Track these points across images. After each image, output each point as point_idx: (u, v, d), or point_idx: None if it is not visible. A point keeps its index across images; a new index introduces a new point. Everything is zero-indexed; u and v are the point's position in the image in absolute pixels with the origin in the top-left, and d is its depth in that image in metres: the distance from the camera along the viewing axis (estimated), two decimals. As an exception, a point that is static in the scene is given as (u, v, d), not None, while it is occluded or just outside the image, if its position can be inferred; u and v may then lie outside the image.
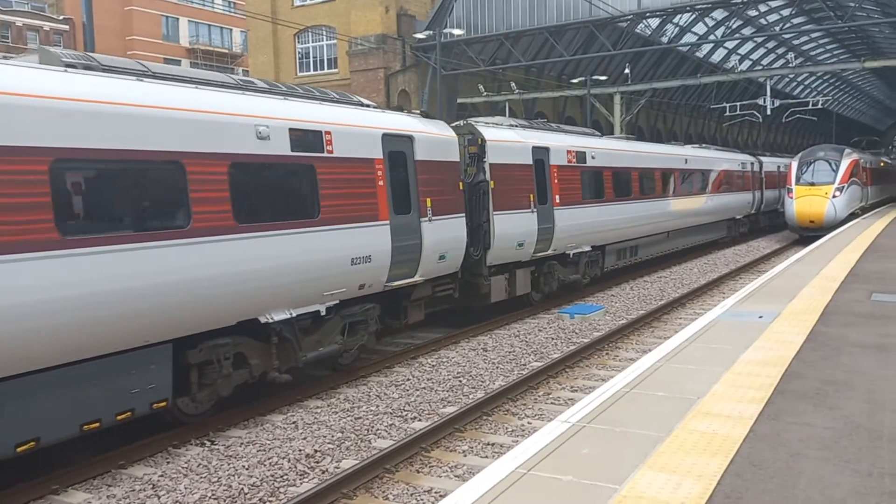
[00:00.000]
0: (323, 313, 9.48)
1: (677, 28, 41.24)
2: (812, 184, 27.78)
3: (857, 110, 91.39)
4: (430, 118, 12.82)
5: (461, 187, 12.71)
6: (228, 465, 7.27)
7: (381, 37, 35.07)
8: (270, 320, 8.66)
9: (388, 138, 10.87)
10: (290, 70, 38.83)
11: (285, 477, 6.96)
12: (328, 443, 7.81)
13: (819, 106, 40.77)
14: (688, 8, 33.53)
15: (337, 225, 9.60)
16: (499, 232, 13.63)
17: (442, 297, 12.78)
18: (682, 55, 46.84)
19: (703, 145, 30.35)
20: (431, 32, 33.30)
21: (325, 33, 36.97)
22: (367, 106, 11.34)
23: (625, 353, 11.82)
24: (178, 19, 59.08)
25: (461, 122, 14.43)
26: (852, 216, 28.95)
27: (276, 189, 8.84)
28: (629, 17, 34.02)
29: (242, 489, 6.67)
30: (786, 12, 42.26)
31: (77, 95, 6.77)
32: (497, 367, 10.93)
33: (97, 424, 6.90)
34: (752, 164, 32.63)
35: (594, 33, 35.12)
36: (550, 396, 9.57)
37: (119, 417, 7.13)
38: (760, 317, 9.35)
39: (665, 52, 42.84)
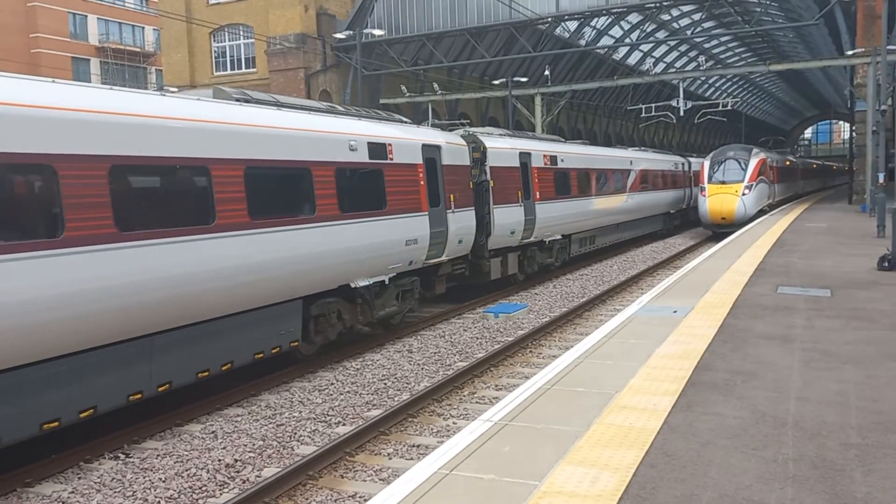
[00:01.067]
0: (386, 282, 12.51)
1: (595, 31, 42.27)
2: (723, 182, 28.95)
3: (764, 111, 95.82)
4: (451, 131, 16.72)
5: (471, 186, 15.76)
6: (144, 478, 7.01)
7: (301, 36, 34.62)
8: (357, 286, 11.59)
9: (425, 148, 13.88)
10: (206, 69, 37.89)
11: (204, 488, 6.77)
12: (249, 451, 7.64)
13: (729, 107, 42.48)
14: (604, 11, 34.42)
15: (397, 215, 12.59)
16: (498, 222, 16.77)
17: (457, 274, 15.93)
18: (600, 58, 48.05)
19: (643, 148, 33.66)
20: (352, 32, 33.07)
21: (242, 32, 36.19)
22: (407, 122, 14.64)
23: (548, 351, 12.01)
24: (86, 16, 56.67)
25: (467, 132, 17.48)
26: (761, 213, 30.30)
27: (361, 187, 11.75)
28: (548, 19, 34.68)
29: (159, 502, 6.45)
30: (697, 17, 43.94)
31: (257, 122, 9.70)
32: (422, 369, 10.93)
33: (261, 355, 9.73)
34: (683, 164, 34.27)
35: (515, 35, 35.62)
36: (475, 396, 9.64)
37: (273, 351, 9.98)
38: (675, 311, 9.67)
39: (584, 54, 43.85)
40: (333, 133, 11.24)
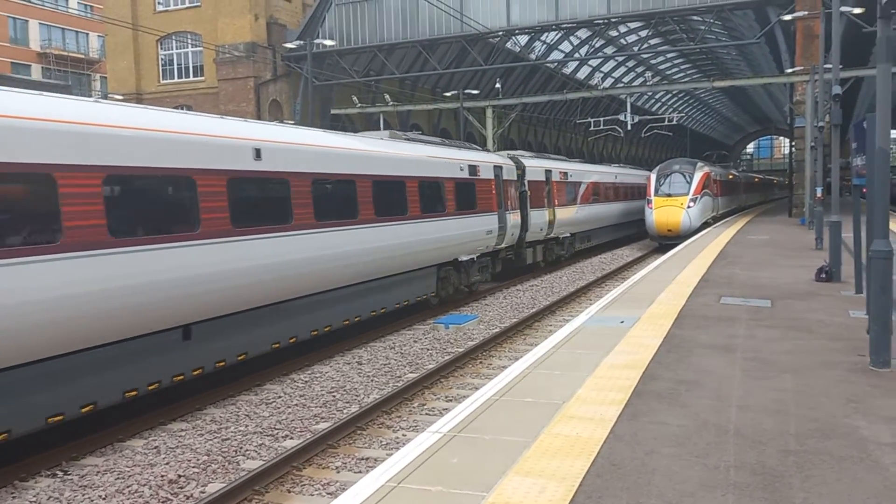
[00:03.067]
0: (475, 259, 17.93)
1: (545, 46, 42.90)
2: (669, 195, 29.59)
3: (708, 126, 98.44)
4: (504, 155, 22.20)
5: (518, 194, 21.18)
6: (83, 495, 6.79)
7: (251, 45, 34.29)
8: (462, 259, 17.14)
9: (494, 167, 19.33)
10: (153, 77, 37.21)
11: (146, 506, 6.58)
12: (193, 467, 7.46)
13: (674, 122, 43.57)
14: (553, 26, 34.96)
15: (482, 213, 18.03)
16: (532, 221, 22.19)
17: (507, 259, 21.01)
18: (550, 72, 48.77)
19: (620, 164, 39.26)
20: (302, 42, 32.88)
21: (189, 40, 35.64)
22: (480, 149, 21.16)
23: (498, 361, 12.06)
24: (27, 21, 55.05)
25: (510, 154, 22.66)
26: (705, 225, 31.05)
27: (465, 194, 17.14)
28: (499, 33, 35.04)
29: (98, 522, 6.25)
30: (644, 33, 44.97)
31: (419, 153, 15.52)
32: (372, 381, 10.85)
33: (419, 299, 15.35)
34: (648, 177, 35.19)
35: (466, 48, 35.91)
36: (425, 407, 9.61)
37: (418, 299, 15.34)
38: (622, 322, 9.82)
39: (534, 68, 44.44)
40: (452, 159, 17.04)
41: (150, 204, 8.58)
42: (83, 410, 7.80)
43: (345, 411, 9.35)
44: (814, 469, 4.73)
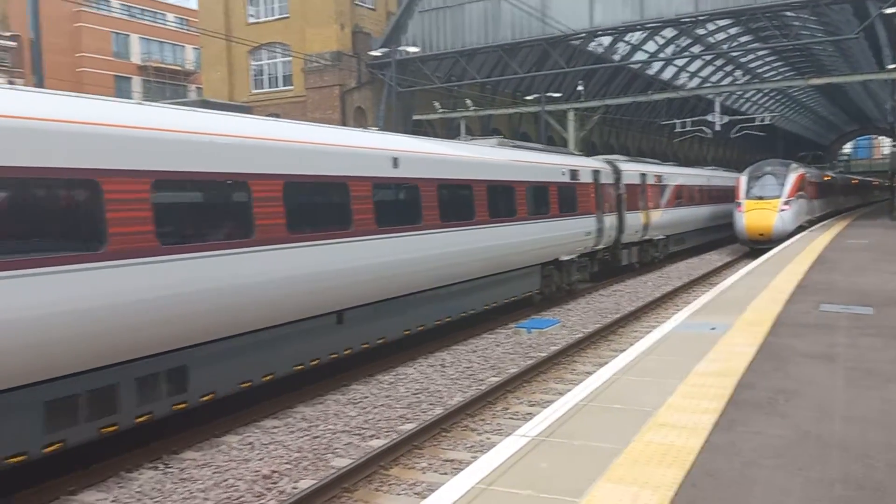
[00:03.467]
0: (575, 259, 18.96)
1: (629, 46, 42.14)
2: (761, 198, 28.50)
3: (802, 126, 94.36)
4: (601, 159, 22.48)
5: (614, 197, 21.79)
6: (183, 488, 7.10)
7: (337, 54, 35.07)
8: (562, 259, 18.14)
9: (592, 171, 20.06)
10: (245, 87, 38.55)
11: (242, 499, 6.82)
12: (285, 463, 7.69)
13: (766, 122, 41.99)
14: (638, 26, 34.31)
15: (581, 216, 18.96)
16: (628, 224, 22.70)
17: (604, 259, 21.61)
18: (634, 72, 47.85)
19: (713, 167, 38.60)
20: (387, 50, 33.41)
21: (279, 50, 36.77)
22: (578, 154, 22.49)
23: (582, 367, 11.91)
24: (128, 36, 58.07)
25: (606, 159, 22.95)
26: (800, 229, 29.76)
27: (566, 197, 18.02)
28: (582, 35, 34.65)
29: (197, 513, 6.52)
30: (733, 31, 43.57)
31: (522, 159, 16.57)
32: (455, 383, 10.92)
33: (514, 297, 16.04)
34: (738, 179, 33.83)
35: (548, 51, 35.67)
36: (508, 411, 9.59)
37: (524, 295, 16.44)
38: (713, 328, 9.53)
39: (617, 69, 43.70)
40: (555, 164, 18.02)
41: (326, 208, 10.24)
42: (264, 378, 9.19)
43: (429, 413, 9.44)
44: (927, 486, 4.47)
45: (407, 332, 12.23)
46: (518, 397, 10.21)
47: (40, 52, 13.28)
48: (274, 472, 7.44)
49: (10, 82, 42.01)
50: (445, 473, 7.43)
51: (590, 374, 10.99)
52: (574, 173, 18.85)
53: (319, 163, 9.97)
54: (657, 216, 25.54)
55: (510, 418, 9.29)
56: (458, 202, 13.46)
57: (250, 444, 8.34)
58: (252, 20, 38.24)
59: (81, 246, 6.86)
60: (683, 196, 29.06)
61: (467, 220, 13.60)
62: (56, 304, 6.57)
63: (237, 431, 8.86)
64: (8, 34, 54.19)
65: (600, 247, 20.74)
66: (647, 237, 24.81)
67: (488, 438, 8.48)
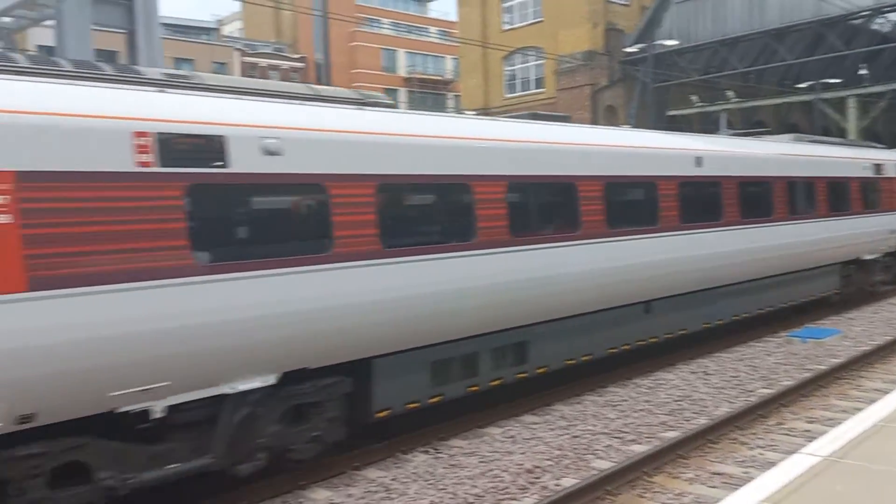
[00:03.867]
0: (878, 259, 17.71)
1: (924, 20, 36.79)
2: None
3: None
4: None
5: None
6: (453, 473, 7.52)
7: (589, 53, 34.92)
8: (865, 258, 17.05)
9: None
10: (498, 92, 39.87)
11: (506, 490, 7.06)
12: (546, 459, 7.82)
13: None
14: (937, -3, 29.87)
15: (886, 213, 17.72)
16: None
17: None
18: (931, 50, 41.65)
19: None
20: (643, 45, 32.56)
21: (532, 54, 37.50)
22: (881, 147, 20.10)
23: (870, 384, 10.65)
24: (395, 51, 62.98)
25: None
26: None
27: (868, 193, 17.17)
28: (866, 12, 30.95)
29: (467, 498, 6.87)
30: None
31: (820, 153, 15.82)
32: (720, 392, 10.33)
33: (812, 297, 15.51)
34: None
35: (822, 33, 32.35)
36: (783, 427, 8.86)
37: (822, 294, 15.84)
38: None
39: (909, 48, 38.37)
40: (856, 158, 17.05)
41: (637, 207, 11.11)
42: (583, 358, 10.29)
43: (692, 422, 9.04)
44: None
45: (706, 325, 12.60)
46: (794, 412, 9.40)
47: (329, 71, 14.88)
48: (536, 467, 7.60)
49: (297, 99, 47.54)
50: (714, 486, 7.07)
51: (880, 391, 9.82)
52: (878, 167, 17.90)
53: (635, 165, 10.89)
54: None
55: (785, 434, 8.58)
56: (757, 200, 13.47)
57: (512, 437, 8.60)
58: (507, 27, 39.44)
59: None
60: None
61: (766, 217, 13.59)
62: (441, 283, 7.99)
63: (499, 424, 9.17)
64: (297, 56, 61.40)
65: None
66: None
67: (761, 454, 7.91)
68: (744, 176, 13.07)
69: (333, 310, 7.06)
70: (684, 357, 12.40)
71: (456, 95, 56.03)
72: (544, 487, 7.14)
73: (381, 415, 7.90)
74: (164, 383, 6.02)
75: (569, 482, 7.17)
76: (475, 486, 7.13)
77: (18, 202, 5.27)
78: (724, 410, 9.41)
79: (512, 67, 39.70)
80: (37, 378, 5.34)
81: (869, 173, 17.37)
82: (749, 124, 36.74)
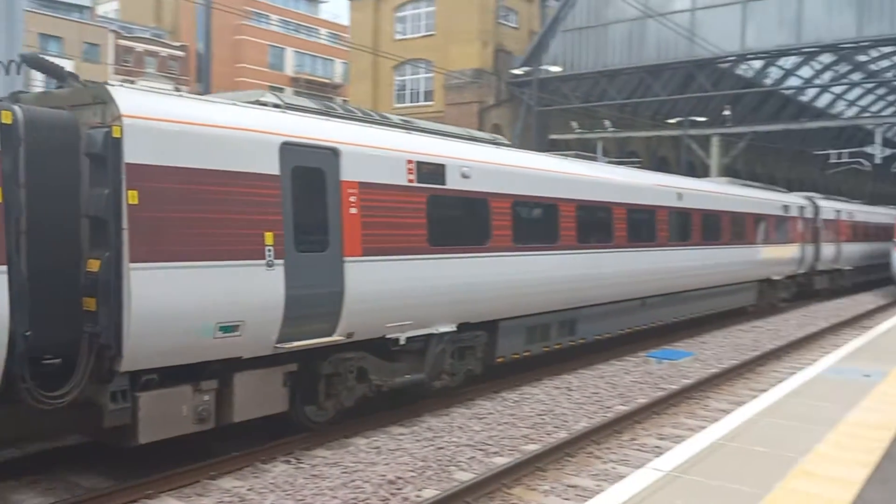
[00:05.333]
0: (782, 280, 22.40)
1: (782, 71, 40.12)
2: None
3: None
4: (802, 196, 25.36)
5: (813, 229, 25.10)
6: (313, 484, 7.38)
7: (478, 72, 35.62)
8: (774, 278, 21.60)
9: (798, 206, 23.50)
10: (388, 101, 39.88)
11: (367, 501, 7.00)
12: (410, 470, 7.82)
13: (934, 156, 38.51)
14: (793, 51, 32.63)
15: (789, 243, 22.44)
16: (823, 252, 25.87)
17: (800, 283, 24.65)
18: (786, 98, 45.47)
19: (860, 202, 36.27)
20: (529, 69, 33.55)
21: (423, 66, 37.81)
22: (784, 191, 25.53)
23: (716, 404, 11.38)
24: (283, 49, 61.73)
25: (807, 196, 25.88)
26: (968, 276, 27.13)
27: (780, 227, 22.04)
28: (731, 57, 33.36)
29: (325, 510, 6.75)
30: (899, 58, 40.47)
31: (751, 195, 20.69)
32: (581, 408, 10.73)
33: (735, 306, 19.54)
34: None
35: (692, 74, 34.58)
36: (636, 442, 9.30)
37: (741, 306, 19.96)
38: (867, 376, 8.86)
39: (767, 94, 41.72)
40: (773, 199, 21.73)
41: (642, 227, 14.88)
42: (596, 337, 13.76)
43: (553, 435, 9.33)
44: None
45: (675, 319, 16.65)
46: (646, 429, 9.90)
47: (210, 63, 14.36)
48: (399, 478, 7.59)
49: (177, 89, 45.44)
50: (568, 499, 7.31)
51: (724, 411, 10.48)
52: (786, 207, 22.31)
53: (646, 195, 15.02)
54: (847, 248, 28.09)
55: (637, 449, 9.01)
56: (708, 227, 17.28)
57: (377, 448, 8.56)
58: (399, 36, 39.58)
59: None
60: (866, 231, 31.16)
61: (707, 241, 17.29)
62: (541, 271, 11.76)
63: (365, 435, 9.11)
64: (178, 44, 58.87)
65: (801, 271, 23.88)
66: (837, 267, 27.33)
67: (614, 468, 8.26)
68: (701, 209, 17.04)
69: (488, 284, 10.59)
70: (550, 373, 12.80)
71: (344, 100, 55.63)
72: (405, 499, 7.13)
73: (500, 360, 11.44)
74: (409, 322, 9.40)
75: (429, 493, 7.20)
76: (335, 497, 7.02)
77: (360, 201, 8.66)
78: (582, 425, 9.77)
79: (402, 77, 39.87)
80: (358, 311, 8.58)
81: (780, 212, 21.74)
82: (623, 154, 38.66)
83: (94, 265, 6.58)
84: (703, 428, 7.68)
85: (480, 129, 35.13)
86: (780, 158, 55.64)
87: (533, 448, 8.72)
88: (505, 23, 37.45)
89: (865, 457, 5.75)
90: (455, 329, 10.18)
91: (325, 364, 8.58)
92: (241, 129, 7.57)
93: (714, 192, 18.32)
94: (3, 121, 6.12)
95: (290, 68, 61.90)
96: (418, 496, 7.20)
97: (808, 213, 24.52)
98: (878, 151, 32.16)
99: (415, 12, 39.20)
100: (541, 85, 35.36)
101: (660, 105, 42.07)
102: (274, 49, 61.17)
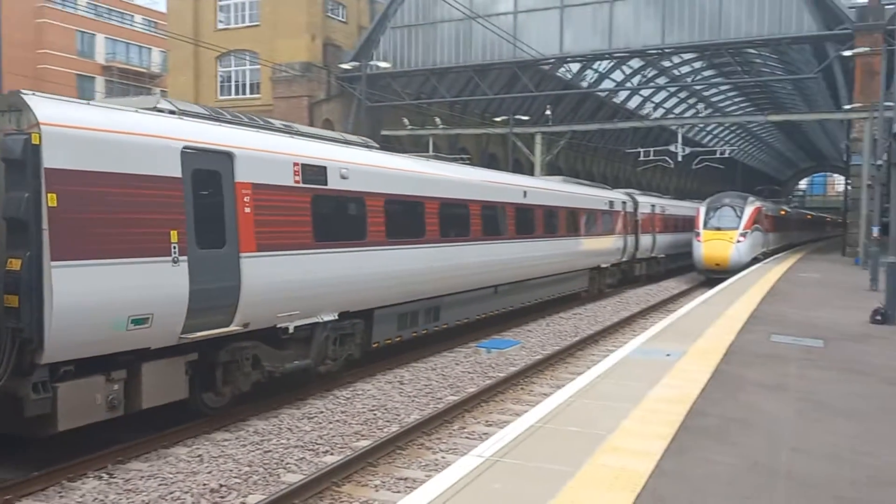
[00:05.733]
0: (609, 267, 25.21)
1: (597, 74, 42.85)
2: (718, 228, 29.11)
3: (760, 161, 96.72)
4: (623, 192, 28.53)
5: (633, 222, 27.99)
6: (127, 500, 6.90)
7: (306, 65, 34.99)
8: (602, 266, 24.14)
9: (621, 202, 26.55)
10: (211, 93, 38.19)
11: (188, 513, 6.66)
12: (235, 477, 7.53)
13: (726, 155, 42.95)
14: (606, 55, 34.95)
15: (614, 235, 24.86)
16: (642, 243, 29.03)
17: (623, 270, 27.71)
18: (601, 100, 48.66)
19: (698, 200, 40.07)
20: (357, 63, 33.43)
21: (248, 58, 36.54)
22: (610, 188, 28.67)
23: (539, 389, 11.95)
24: (94, 35, 57.12)
25: (627, 192, 29.14)
26: (755, 261, 30.41)
27: (606, 221, 24.37)
28: (551, 60, 35.15)
29: (141, 526, 6.34)
30: (697, 65, 44.61)
31: (582, 192, 23.21)
32: (413, 401, 10.85)
33: (572, 291, 22.04)
34: (698, 209, 32.46)
35: (517, 74, 36.07)
36: (465, 430, 9.56)
37: (578, 291, 22.61)
38: (668, 355, 9.66)
39: (585, 96, 44.40)
40: (602, 196, 24.37)
41: (496, 221, 16.62)
42: (457, 322, 15.25)
43: (385, 430, 9.36)
44: (870, 517, 4.57)
45: (523, 304, 18.52)
46: (475, 417, 10.19)
47: None
48: (222, 485, 7.29)
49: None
50: (399, 492, 7.36)
51: (547, 395, 11.00)
52: (611, 203, 24.85)
53: (497, 194, 16.73)
54: (661, 239, 31.43)
55: (466, 438, 9.26)
56: (547, 221, 19.23)
57: (199, 456, 8.16)
58: (221, 26, 37.99)
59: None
60: (677, 223, 34.38)
61: (549, 234, 19.33)
62: (409, 263, 12.96)
63: (186, 443, 8.67)
64: (-33, 26, 52.74)
65: (623, 260, 26.66)
66: (654, 255, 30.72)
67: (443, 457, 8.43)
68: (535, 204, 18.57)
69: (365, 275, 11.61)
70: (382, 367, 12.84)
71: (163, 91, 52.54)
72: (229, 506, 6.86)
73: (375, 345, 12.51)
74: (297, 312, 10.20)
75: (255, 499, 6.98)
76: (151, 512, 6.62)
77: (253, 200, 9.36)
78: (414, 418, 9.88)
79: (227, 69, 38.32)
80: (253, 303, 9.25)
81: (606, 207, 24.21)
82: (454, 151, 39.60)
83: (14, 264, 7.04)
84: (526, 412, 8.02)
85: (311, 123, 34.57)
86: (597, 156, 59.55)
87: (364, 444, 8.70)
88: (333, 17, 37.07)
89: (664, 430, 6.26)
90: (336, 318, 11.13)
91: (223, 353, 9.30)
92: (147, 134, 8.13)
93: (553, 189, 20.34)
94: None
95: (101, 56, 57.44)
96: (244, 503, 6.95)
97: (630, 208, 27.27)
98: (679, 150, 35.17)
99: (238, 1, 37.79)
100: (371, 81, 35.38)
101: (488, 104, 43.54)
102: (83, 35, 56.49)
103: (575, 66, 39.40)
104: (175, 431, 8.81)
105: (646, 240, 29.30)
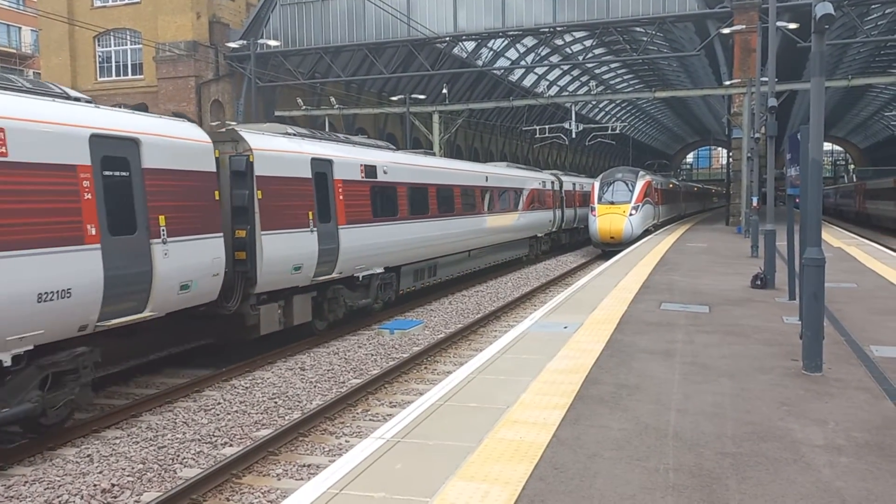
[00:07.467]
0: (541, 236, 31.28)
1: (492, 52, 43.20)
2: (612, 203, 30.11)
3: (650, 136, 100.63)
4: (550, 173, 34.18)
5: (559, 198, 33.70)
6: (8, 509, 6.50)
7: (192, 44, 33.59)
8: (539, 235, 30.36)
9: (550, 181, 31.83)
10: (90, 74, 36.10)
11: (76, 517, 6.34)
12: (128, 475, 7.22)
13: (617, 131, 44.32)
14: (500, 33, 35.25)
15: (546, 209, 30.57)
16: (566, 216, 34.45)
17: (552, 239, 33.52)
18: (497, 79, 49.16)
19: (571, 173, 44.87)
20: (245, 42, 32.36)
21: (129, 37, 34.71)
22: (540, 170, 34.38)
23: (443, 367, 12.04)
24: (-44, 12, 52.90)
25: (554, 174, 34.33)
26: (647, 232, 31.68)
27: (541, 197, 30.06)
28: (446, 38, 35.14)
29: (24, 535, 5.99)
30: (588, 43, 45.70)
31: (519, 174, 28.61)
32: (315, 387, 10.71)
33: (516, 256, 27.63)
34: (592, 185, 35.00)
35: (413, 53, 35.89)
36: (369, 413, 9.52)
37: (519, 256, 28.00)
38: (565, 327, 9.92)
39: (481, 74, 44.70)
40: (535, 177, 29.41)
41: (468, 200, 21.45)
42: (447, 277, 20.15)
43: (286, 418, 9.20)
44: (749, 471, 4.85)
45: (487, 265, 23.71)
46: (379, 399, 10.17)
47: None
48: (114, 485, 6.97)
49: None
50: (301, 479, 7.25)
51: (450, 373, 11.10)
52: (543, 182, 29.98)
53: (470, 179, 22.07)
54: (580, 212, 36.33)
55: (370, 420, 9.22)
56: (496, 199, 23.91)
57: (89, 456, 7.77)
58: (99, 3, 35.85)
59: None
60: (586, 199, 37.85)
61: (503, 209, 24.52)
62: (401, 235, 16.83)
63: (75, 443, 8.24)
64: None
65: (553, 230, 31.86)
66: (574, 226, 35.97)
67: (347, 441, 8.37)
68: (488, 186, 23.26)
69: (397, 241, 16.35)
70: (283, 354, 12.60)
71: (36, 73, 49.22)
72: (122, 507, 6.57)
73: (401, 292, 17.15)
74: (363, 265, 15.06)
75: (150, 496, 6.71)
76: (36, 519, 6.25)
77: (343, 190, 14.20)
78: (316, 403, 9.75)
79: (106, 49, 36.25)
80: (344, 259, 14.24)
81: (539, 186, 29.16)
82: (352, 131, 39.11)
83: (241, 233, 11.27)
84: (428, 392, 8.04)
85: (199, 105, 33.27)
86: (494, 134, 60.26)
87: (264, 433, 8.52)
88: (220, -7, 35.67)
89: (561, 400, 6.43)
90: (383, 271, 16.01)
91: (329, 291, 13.86)
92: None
93: (504, 174, 25.80)
94: None
95: (-35, 35, 53.19)
96: (137, 501, 6.67)
97: (556, 187, 32.38)
98: (573, 127, 36.04)
99: (117, -23, 35.76)
100: (262, 60, 34.37)
101: (384, 83, 43.16)
102: (-57, 12, 52.13)
103: (470, 45, 39.56)
104: (62, 431, 8.35)
105: (569, 213, 34.75)
